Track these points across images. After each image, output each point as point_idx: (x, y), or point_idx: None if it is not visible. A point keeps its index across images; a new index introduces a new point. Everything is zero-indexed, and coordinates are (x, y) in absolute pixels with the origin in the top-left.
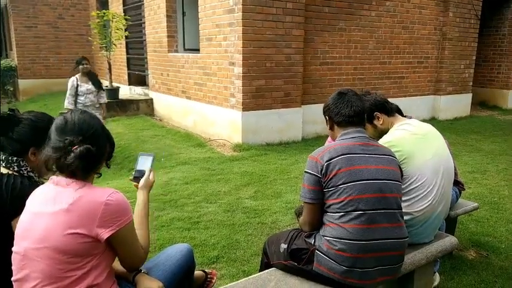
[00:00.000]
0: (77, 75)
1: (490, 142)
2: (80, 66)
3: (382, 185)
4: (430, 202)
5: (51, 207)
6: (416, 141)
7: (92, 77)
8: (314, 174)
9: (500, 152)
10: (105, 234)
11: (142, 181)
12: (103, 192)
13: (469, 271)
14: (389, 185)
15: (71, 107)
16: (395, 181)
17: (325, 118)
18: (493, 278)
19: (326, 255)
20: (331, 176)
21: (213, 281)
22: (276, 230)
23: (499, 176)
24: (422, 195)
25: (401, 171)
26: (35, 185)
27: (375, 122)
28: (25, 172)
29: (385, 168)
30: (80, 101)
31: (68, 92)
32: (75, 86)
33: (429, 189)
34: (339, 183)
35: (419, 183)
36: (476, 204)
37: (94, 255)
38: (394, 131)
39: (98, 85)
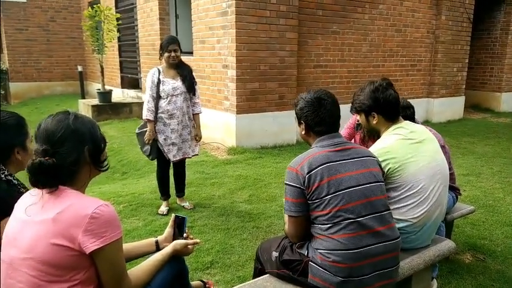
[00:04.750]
0: (159, 66)
1: (483, 145)
2: (166, 54)
3: (366, 190)
4: (426, 208)
5: (39, 215)
6: (410, 147)
7: (183, 70)
8: (296, 187)
9: (493, 154)
10: (89, 247)
11: (180, 242)
12: (92, 203)
13: (466, 275)
14: (372, 188)
15: (152, 117)
16: (378, 182)
17: (299, 121)
18: (490, 282)
19: (321, 267)
20: (313, 188)
21: None
22: (271, 234)
23: (494, 178)
24: (418, 202)
25: (381, 169)
26: (15, 188)
27: (370, 118)
28: (3, 176)
29: (366, 172)
30: (161, 108)
31: (148, 93)
32: (156, 81)
33: (425, 195)
34: (323, 194)
35: (415, 189)
36: (472, 207)
37: (80, 268)
38: (388, 136)
39: (190, 83)
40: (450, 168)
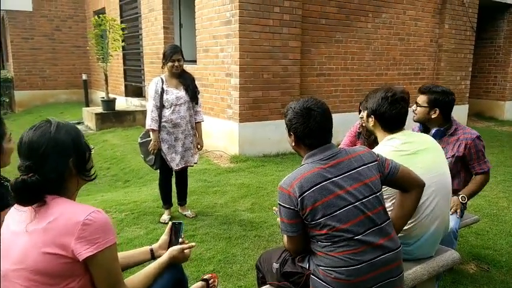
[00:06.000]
0: (162, 75)
1: (487, 153)
2: (169, 63)
3: (362, 205)
4: (417, 221)
5: (30, 225)
6: (400, 159)
7: (186, 80)
8: (290, 208)
9: (497, 163)
10: (82, 254)
11: (175, 248)
12: (83, 210)
13: (470, 286)
14: (369, 201)
15: (156, 127)
16: (375, 194)
17: (288, 132)
18: None
19: (323, 282)
20: (307, 211)
21: (215, 283)
22: (273, 242)
23: (498, 187)
24: None
25: (381, 168)
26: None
27: (369, 119)
28: None
29: (361, 185)
30: (165, 117)
31: (151, 104)
32: (160, 91)
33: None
34: (318, 216)
35: None
36: (476, 217)
37: (75, 276)
38: (380, 147)
39: (193, 93)
40: None
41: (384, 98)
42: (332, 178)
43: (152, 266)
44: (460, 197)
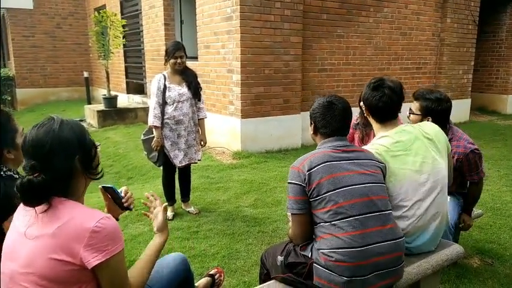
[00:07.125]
0: (165, 72)
1: (490, 147)
2: (172, 60)
3: (367, 189)
4: (411, 220)
5: (38, 229)
6: (391, 160)
7: (188, 76)
8: (298, 184)
9: (500, 157)
10: (91, 263)
11: (158, 224)
12: (92, 216)
13: (474, 280)
14: (374, 188)
15: (158, 124)
16: (380, 183)
17: (310, 121)
18: (499, 287)
19: (325, 268)
20: (314, 185)
21: (222, 278)
22: (276, 238)
23: (501, 181)
24: (400, 215)
25: (383, 172)
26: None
27: (362, 106)
28: (3, 173)
29: (368, 173)
30: (167, 114)
31: (154, 100)
32: (162, 87)
33: (406, 209)
34: (323, 191)
35: (394, 202)
36: (480, 211)
37: (82, 283)
38: (372, 145)
39: (195, 89)
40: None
41: (367, 85)
42: (341, 161)
43: (148, 253)
44: (472, 215)
